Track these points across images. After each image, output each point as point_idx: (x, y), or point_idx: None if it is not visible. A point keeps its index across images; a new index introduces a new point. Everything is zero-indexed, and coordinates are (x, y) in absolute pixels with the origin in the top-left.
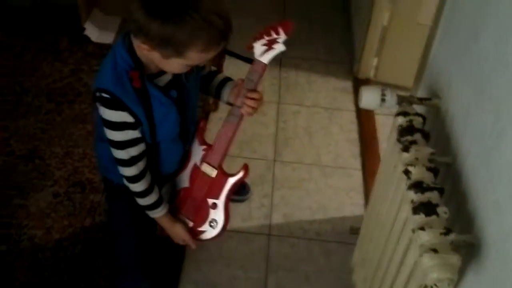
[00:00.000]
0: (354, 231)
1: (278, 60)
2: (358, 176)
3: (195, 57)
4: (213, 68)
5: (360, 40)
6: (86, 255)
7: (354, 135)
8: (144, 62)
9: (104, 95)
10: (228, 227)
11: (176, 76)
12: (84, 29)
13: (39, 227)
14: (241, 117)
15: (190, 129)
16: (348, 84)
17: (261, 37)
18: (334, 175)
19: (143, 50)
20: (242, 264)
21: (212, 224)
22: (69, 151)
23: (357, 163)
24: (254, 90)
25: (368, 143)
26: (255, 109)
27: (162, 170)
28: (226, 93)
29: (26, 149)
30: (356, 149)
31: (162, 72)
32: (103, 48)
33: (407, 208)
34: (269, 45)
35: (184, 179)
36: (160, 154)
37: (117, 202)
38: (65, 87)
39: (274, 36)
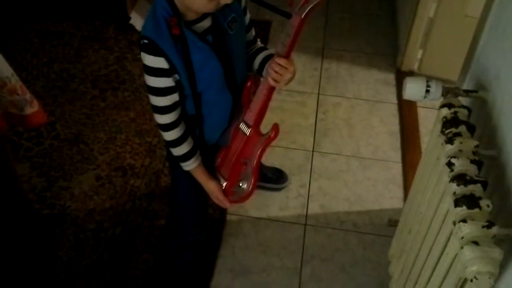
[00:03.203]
0: (393, 223)
1: (320, 51)
2: (397, 169)
3: None
4: (260, 44)
5: (404, 32)
6: (125, 237)
7: (395, 127)
8: (180, 9)
9: (145, 41)
10: (255, 191)
11: (214, 23)
12: (129, 18)
13: (81, 209)
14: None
15: (239, 81)
16: (390, 77)
17: None
18: (373, 168)
19: None
20: (278, 252)
21: (240, 184)
22: (111, 137)
23: (397, 156)
24: (284, 56)
25: (409, 136)
26: (281, 77)
27: (210, 125)
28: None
29: (71, 133)
30: (396, 142)
31: (200, 19)
32: None
33: (449, 200)
34: None
35: (227, 137)
36: (203, 106)
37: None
38: (109, 74)
39: None
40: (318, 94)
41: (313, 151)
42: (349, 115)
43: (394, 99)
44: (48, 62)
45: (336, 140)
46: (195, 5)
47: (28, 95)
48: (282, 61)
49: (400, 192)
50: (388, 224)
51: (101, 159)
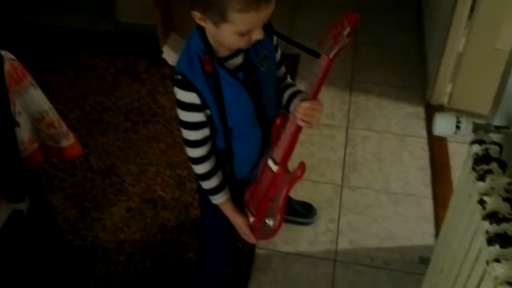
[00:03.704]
0: (424, 261)
1: (348, 84)
2: (428, 204)
3: (238, 19)
4: (290, 80)
5: (434, 65)
6: (155, 270)
7: (425, 162)
8: (213, 46)
9: (178, 76)
10: (280, 230)
11: (246, 60)
12: (162, 52)
13: (112, 240)
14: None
15: (270, 117)
16: (420, 110)
17: (329, 31)
18: (403, 203)
19: (201, 22)
20: None
21: (266, 221)
22: (143, 169)
23: (427, 191)
24: (311, 96)
25: (440, 171)
26: (310, 118)
27: (240, 160)
28: (294, 105)
29: (104, 165)
30: (427, 176)
31: (232, 56)
32: None
33: (481, 239)
34: (335, 38)
35: (257, 172)
36: (233, 141)
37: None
38: (142, 107)
39: (340, 29)
40: (347, 127)
41: (342, 185)
42: (378, 149)
43: (424, 133)
44: (83, 95)
45: (365, 174)
46: (228, 41)
47: (64, 128)
48: (308, 104)
49: (431, 229)
50: (419, 261)
51: (132, 191)
